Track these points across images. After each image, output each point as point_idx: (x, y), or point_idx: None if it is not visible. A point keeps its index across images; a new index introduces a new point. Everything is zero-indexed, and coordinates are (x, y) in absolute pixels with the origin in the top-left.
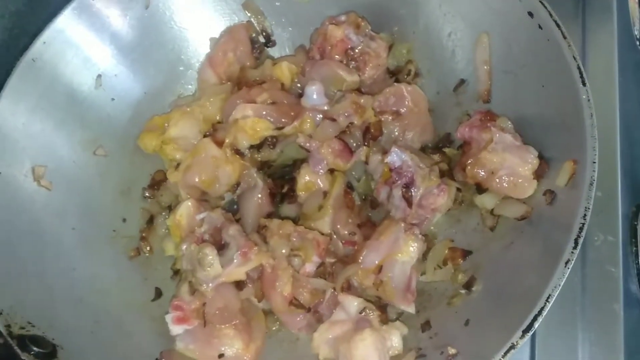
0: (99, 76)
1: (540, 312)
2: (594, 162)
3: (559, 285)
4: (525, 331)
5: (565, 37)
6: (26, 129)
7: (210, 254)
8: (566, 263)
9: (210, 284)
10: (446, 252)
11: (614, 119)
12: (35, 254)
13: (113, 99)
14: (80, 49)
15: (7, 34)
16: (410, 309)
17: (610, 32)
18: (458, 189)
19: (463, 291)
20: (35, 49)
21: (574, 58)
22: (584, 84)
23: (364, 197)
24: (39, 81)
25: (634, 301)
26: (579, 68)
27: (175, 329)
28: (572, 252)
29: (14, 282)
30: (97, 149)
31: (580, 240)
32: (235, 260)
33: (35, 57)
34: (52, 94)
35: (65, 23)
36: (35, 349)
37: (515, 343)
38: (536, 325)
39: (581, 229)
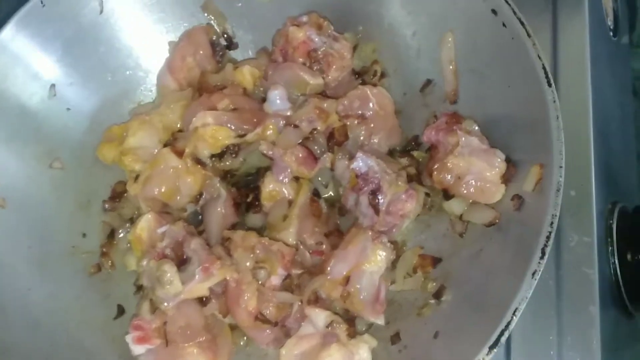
0: (53, 86)
1: (507, 327)
2: (561, 167)
3: (526, 297)
4: (491, 347)
5: (529, 36)
6: None
7: (169, 270)
8: (533, 274)
9: (171, 302)
10: (416, 259)
11: (587, 113)
12: None
13: (69, 109)
14: (31, 58)
15: None
16: (380, 320)
17: (582, 23)
18: (427, 194)
19: (432, 301)
20: None
21: (539, 57)
22: (549, 84)
23: (331, 203)
24: None
25: (610, 303)
26: (544, 68)
27: (137, 349)
28: (539, 263)
29: None
30: (53, 161)
31: (548, 250)
32: (197, 276)
33: None
34: (3, 105)
35: (11, 34)
36: None
37: (482, 359)
38: (503, 340)
39: (548, 237)
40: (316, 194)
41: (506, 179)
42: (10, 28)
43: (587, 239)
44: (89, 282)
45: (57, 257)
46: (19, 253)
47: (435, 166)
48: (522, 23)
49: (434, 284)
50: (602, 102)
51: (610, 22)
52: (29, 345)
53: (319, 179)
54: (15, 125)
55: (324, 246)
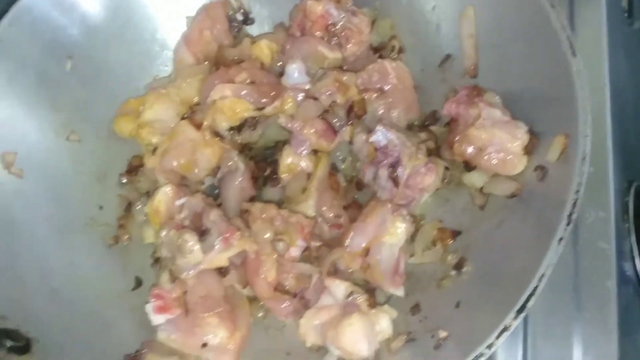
0: (70, 57)
1: (533, 292)
2: (587, 136)
3: (553, 263)
4: (518, 312)
5: (553, 6)
6: None
7: (191, 240)
8: (559, 241)
9: (191, 271)
10: (435, 232)
11: (604, 93)
12: (7, 244)
13: (85, 82)
14: (49, 30)
15: None
16: (399, 292)
17: (598, 5)
18: (446, 168)
19: (453, 272)
20: (0, 31)
21: (563, 28)
22: (574, 54)
23: (349, 179)
24: (6, 64)
25: (627, 278)
26: (568, 38)
27: (156, 319)
28: (565, 229)
29: None
30: (70, 134)
31: (574, 217)
32: (216, 246)
33: (1, 39)
34: (21, 78)
35: (31, 3)
36: (8, 343)
37: (508, 324)
38: (529, 305)
39: (574, 205)
40: (334, 168)
41: (528, 150)
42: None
43: (604, 215)
44: (107, 253)
45: (75, 228)
46: (37, 223)
47: (457, 138)
48: None
49: (454, 256)
50: (618, 84)
51: (625, 3)
52: (48, 313)
53: (337, 153)
54: (34, 95)
55: (342, 219)
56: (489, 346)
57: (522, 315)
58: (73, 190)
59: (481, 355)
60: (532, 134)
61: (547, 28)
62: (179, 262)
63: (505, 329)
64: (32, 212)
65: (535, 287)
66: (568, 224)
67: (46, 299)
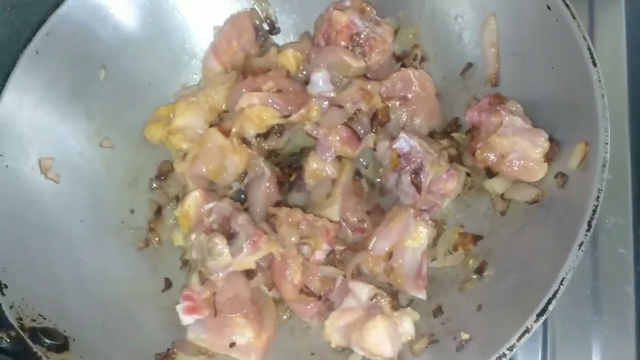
0: (103, 67)
1: (554, 296)
2: (606, 144)
3: (573, 268)
4: (539, 315)
5: (574, 17)
6: (32, 121)
7: (220, 242)
8: (580, 246)
9: (221, 273)
10: (456, 237)
11: (623, 100)
12: (44, 246)
13: (118, 90)
14: (84, 40)
15: (10, 26)
16: (422, 295)
17: (618, 12)
18: (467, 174)
19: (474, 276)
20: (38, 41)
21: (584, 38)
22: (594, 64)
23: (372, 184)
24: (43, 73)
25: None
26: (589, 48)
27: (186, 319)
28: (586, 235)
29: (24, 275)
30: (103, 140)
31: (594, 223)
32: (245, 249)
33: (38, 49)
34: (57, 86)
35: (67, 14)
36: (47, 341)
37: (529, 327)
38: (550, 308)
39: (594, 211)
40: (357, 174)
41: (549, 157)
42: (67, 7)
43: (622, 221)
44: (138, 256)
45: (107, 231)
46: (72, 226)
47: (479, 145)
48: (567, 5)
49: (475, 260)
50: (637, 90)
51: None
52: (83, 313)
53: (361, 159)
54: (69, 103)
55: (366, 224)
56: (510, 348)
57: (543, 318)
58: (106, 194)
59: (503, 356)
60: (553, 141)
61: (568, 38)
62: (208, 264)
63: (526, 331)
64: (67, 216)
65: (556, 291)
66: (588, 230)
67: (81, 300)
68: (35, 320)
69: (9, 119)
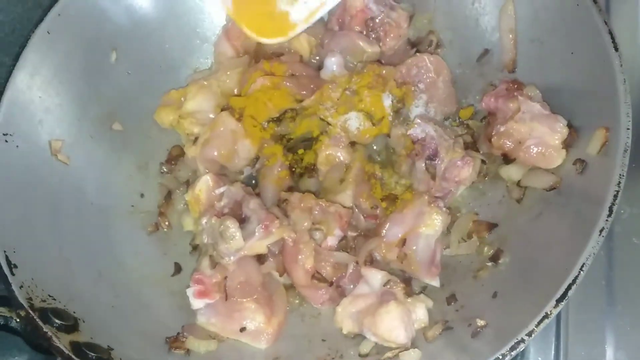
0: (114, 49)
1: (574, 281)
2: (628, 129)
3: (593, 254)
4: (559, 300)
5: (595, 2)
6: (42, 102)
7: (232, 226)
8: (600, 231)
9: (232, 257)
10: (471, 225)
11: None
12: (54, 227)
13: (129, 73)
14: (95, 21)
15: (21, 6)
16: (435, 282)
17: (634, 1)
18: (483, 161)
19: (489, 264)
20: (49, 21)
21: (605, 23)
22: (616, 49)
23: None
24: (54, 54)
25: None
26: (610, 33)
27: (197, 303)
28: (607, 220)
29: (34, 256)
30: (114, 123)
31: (615, 208)
32: (256, 234)
33: (50, 30)
34: (68, 67)
35: None
36: (57, 321)
37: (549, 312)
38: (570, 294)
39: (615, 196)
40: (371, 159)
41: (567, 143)
42: None
43: (638, 210)
44: (148, 240)
45: (117, 214)
46: (82, 208)
47: (495, 131)
48: None
49: (490, 248)
50: None
51: None
52: (93, 294)
53: (374, 145)
54: (80, 85)
55: (379, 210)
56: (529, 333)
57: (563, 303)
58: (116, 178)
59: (521, 341)
60: (572, 127)
61: (589, 23)
62: (220, 247)
63: (545, 317)
64: (77, 198)
65: (576, 277)
66: (609, 215)
67: (91, 282)
68: (45, 301)
69: (20, 99)
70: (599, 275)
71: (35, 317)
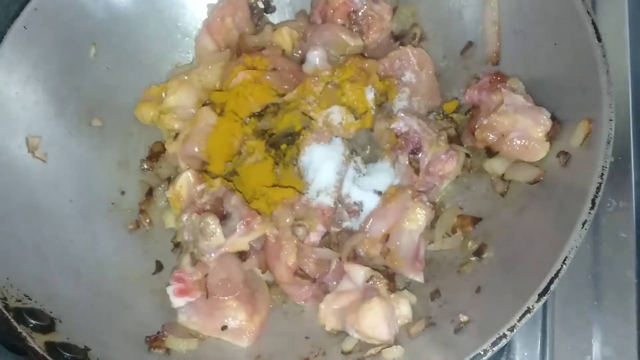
0: (94, 44)
1: (556, 275)
2: (611, 120)
3: (576, 247)
4: (541, 295)
5: None
6: (20, 98)
7: (213, 223)
8: (583, 224)
9: (213, 254)
10: (455, 219)
11: (626, 79)
12: (31, 226)
13: (108, 68)
14: (74, 16)
15: None
16: (419, 277)
17: None
18: (467, 155)
19: (473, 259)
20: (25, 16)
21: (588, 13)
22: (599, 39)
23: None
24: (31, 50)
25: None
26: (593, 23)
27: (177, 302)
28: (589, 213)
29: (10, 255)
30: (93, 119)
31: (597, 201)
32: (238, 230)
33: (26, 24)
34: (46, 63)
35: None
36: (32, 321)
37: (531, 307)
38: (552, 288)
39: (598, 188)
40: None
41: (551, 136)
42: None
43: (624, 204)
44: (129, 237)
45: (97, 212)
46: (61, 206)
47: (478, 125)
48: None
49: (474, 242)
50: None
51: None
52: (71, 293)
53: (357, 140)
54: (58, 81)
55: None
56: (511, 328)
57: (545, 298)
58: (95, 175)
59: (503, 337)
60: (555, 119)
61: (572, 13)
62: (200, 244)
63: (527, 311)
64: (56, 195)
65: (559, 270)
66: (592, 208)
67: (69, 280)
68: (20, 301)
69: None
70: (585, 269)
71: (9, 317)
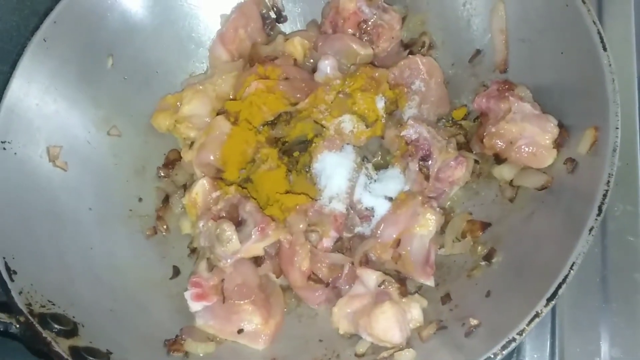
0: (111, 55)
1: (564, 280)
2: (617, 128)
3: (583, 253)
4: (549, 299)
5: (584, 2)
6: (40, 109)
7: (229, 229)
8: (590, 230)
9: (229, 260)
10: (465, 224)
11: (632, 87)
12: (53, 233)
13: (125, 78)
14: (91, 28)
15: (18, 14)
16: (430, 282)
17: (627, 1)
18: (476, 161)
19: (483, 263)
20: (45, 29)
21: (594, 23)
22: (604, 49)
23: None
24: (50, 61)
25: None
26: (599, 33)
27: (195, 306)
28: (596, 219)
29: (33, 262)
30: (111, 128)
31: (604, 207)
32: (253, 236)
33: (46, 37)
34: (64, 74)
35: (74, 2)
36: (56, 326)
37: (539, 311)
38: (560, 293)
39: (605, 195)
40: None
41: (558, 143)
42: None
43: (631, 208)
44: (146, 243)
45: (115, 219)
46: (81, 214)
47: (486, 132)
48: None
49: (484, 247)
50: None
51: None
52: (92, 298)
53: (368, 147)
54: (77, 91)
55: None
56: (520, 332)
57: (553, 302)
58: (114, 183)
59: (512, 340)
60: (562, 127)
61: (578, 22)
62: (217, 251)
63: (536, 316)
64: (76, 203)
65: (566, 276)
66: (599, 214)
67: (90, 286)
68: (44, 306)
69: (17, 106)
70: (593, 272)
71: (34, 323)
